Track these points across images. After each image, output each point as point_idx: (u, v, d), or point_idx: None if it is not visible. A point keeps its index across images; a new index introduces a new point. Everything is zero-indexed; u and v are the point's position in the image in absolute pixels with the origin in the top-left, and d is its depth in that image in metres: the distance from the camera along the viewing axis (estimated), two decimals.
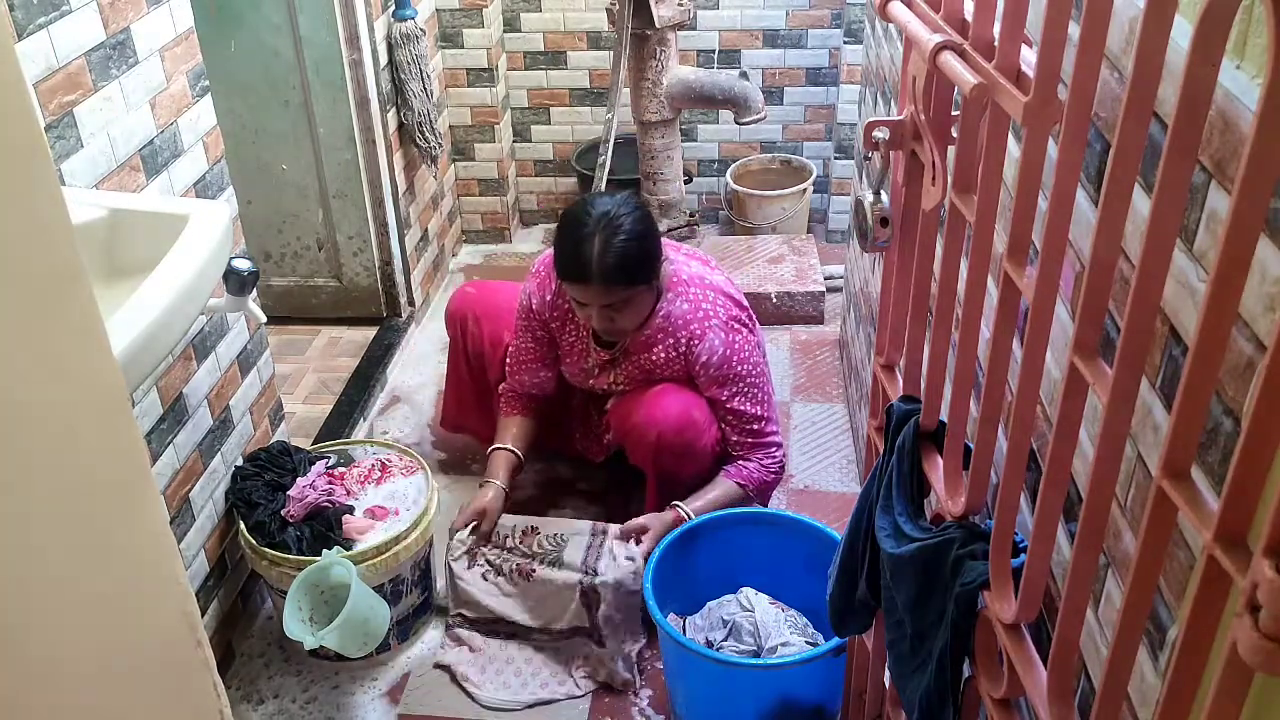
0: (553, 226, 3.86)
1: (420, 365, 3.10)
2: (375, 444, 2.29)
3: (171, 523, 1.89)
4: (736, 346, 2.12)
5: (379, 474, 2.17)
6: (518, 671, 2.09)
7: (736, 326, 2.14)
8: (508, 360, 2.35)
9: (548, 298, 2.24)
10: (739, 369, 2.13)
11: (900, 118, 1.24)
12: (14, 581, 0.57)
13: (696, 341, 2.11)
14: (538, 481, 2.58)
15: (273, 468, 2.11)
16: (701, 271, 2.18)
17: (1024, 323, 0.95)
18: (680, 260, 2.18)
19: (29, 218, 0.56)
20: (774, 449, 2.20)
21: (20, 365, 0.56)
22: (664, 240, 2.16)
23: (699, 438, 2.12)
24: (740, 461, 2.18)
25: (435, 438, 2.77)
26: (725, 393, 2.14)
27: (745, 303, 2.22)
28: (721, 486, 2.16)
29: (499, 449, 2.30)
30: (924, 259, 1.23)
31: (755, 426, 2.17)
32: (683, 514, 2.10)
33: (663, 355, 2.15)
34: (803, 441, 2.72)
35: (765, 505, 2.24)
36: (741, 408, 2.15)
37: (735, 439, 2.18)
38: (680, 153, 3.27)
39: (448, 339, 2.55)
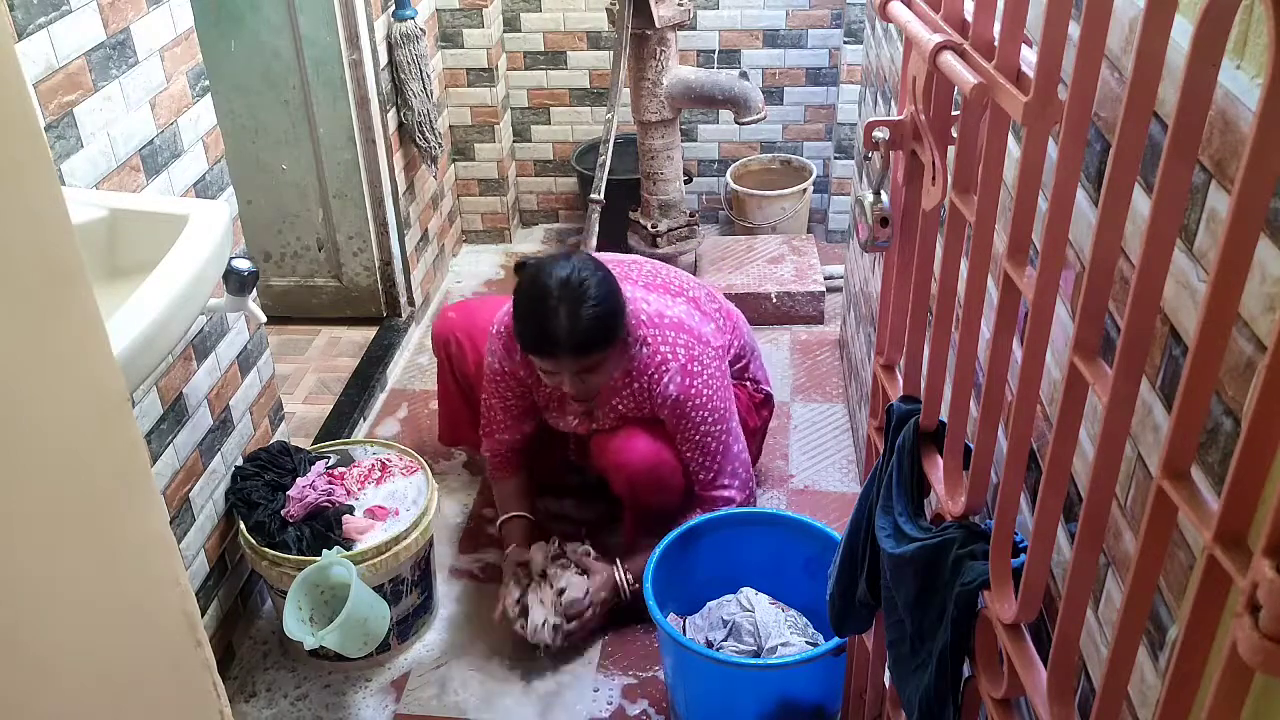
0: (553, 227, 3.87)
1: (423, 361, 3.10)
2: (375, 444, 2.29)
3: (171, 523, 1.89)
4: (692, 392, 2.07)
5: (379, 474, 2.17)
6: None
7: (694, 370, 2.08)
8: (481, 424, 2.30)
9: (517, 357, 2.17)
10: (693, 415, 2.09)
11: (900, 118, 1.24)
12: (14, 581, 0.57)
13: (655, 386, 2.08)
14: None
15: (273, 468, 2.11)
16: (660, 306, 2.11)
17: (1024, 323, 0.95)
18: (639, 297, 2.10)
19: (29, 218, 0.56)
20: (719, 503, 2.15)
21: (20, 365, 0.56)
22: (620, 269, 2.13)
23: (670, 475, 2.13)
24: (697, 506, 2.17)
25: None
26: (679, 437, 2.12)
27: (707, 334, 2.15)
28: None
29: (512, 518, 2.28)
30: (924, 259, 1.23)
31: (703, 476, 2.14)
32: (619, 580, 2.15)
33: (631, 401, 2.12)
34: (803, 441, 2.72)
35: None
36: (690, 456, 2.13)
37: (695, 478, 2.17)
38: (680, 153, 3.27)
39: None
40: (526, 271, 2.02)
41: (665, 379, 2.06)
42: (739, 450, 2.16)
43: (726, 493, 2.15)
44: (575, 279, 1.94)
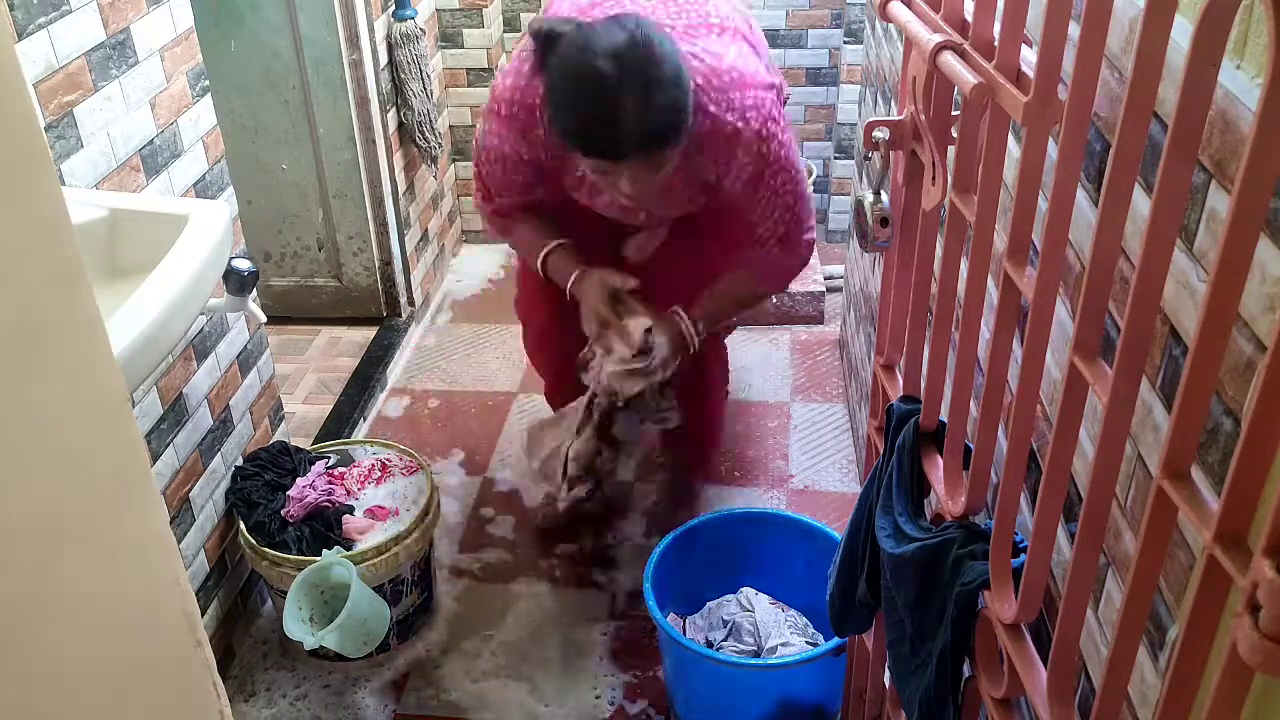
0: None
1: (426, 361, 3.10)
2: (375, 444, 2.29)
3: (171, 523, 1.89)
4: (770, 160, 1.71)
5: (379, 474, 2.17)
6: None
7: (768, 133, 1.69)
8: (479, 190, 1.94)
9: (537, 139, 1.76)
10: (773, 183, 1.73)
11: (900, 118, 1.24)
12: (13, 582, 0.57)
13: (724, 169, 1.72)
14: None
15: (273, 468, 2.11)
16: (714, 55, 1.67)
17: (1024, 323, 0.95)
18: (687, 51, 1.62)
19: (29, 218, 0.56)
20: (804, 248, 1.87)
21: (20, 365, 0.56)
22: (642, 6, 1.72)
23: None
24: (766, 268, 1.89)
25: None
26: (755, 210, 1.78)
27: (767, 77, 1.72)
28: (726, 280, 1.90)
29: (558, 245, 1.92)
30: (924, 259, 1.23)
31: (784, 232, 1.82)
32: (685, 329, 1.87)
33: (687, 191, 1.77)
34: (803, 441, 2.72)
35: (781, 290, 1.96)
36: (766, 225, 1.80)
37: (773, 235, 1.85)
38: None
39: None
40: (564, 43, 1.56)
41: (737, 160, 1.70)
42: (808, 190, 1.85)
43: (808, 235, 1.88)
44: (639, 54, 1.52)
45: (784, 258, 1.89)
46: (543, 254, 1.91)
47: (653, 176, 1.64)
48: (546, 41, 1.57)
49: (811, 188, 1.89)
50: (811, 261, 3.29)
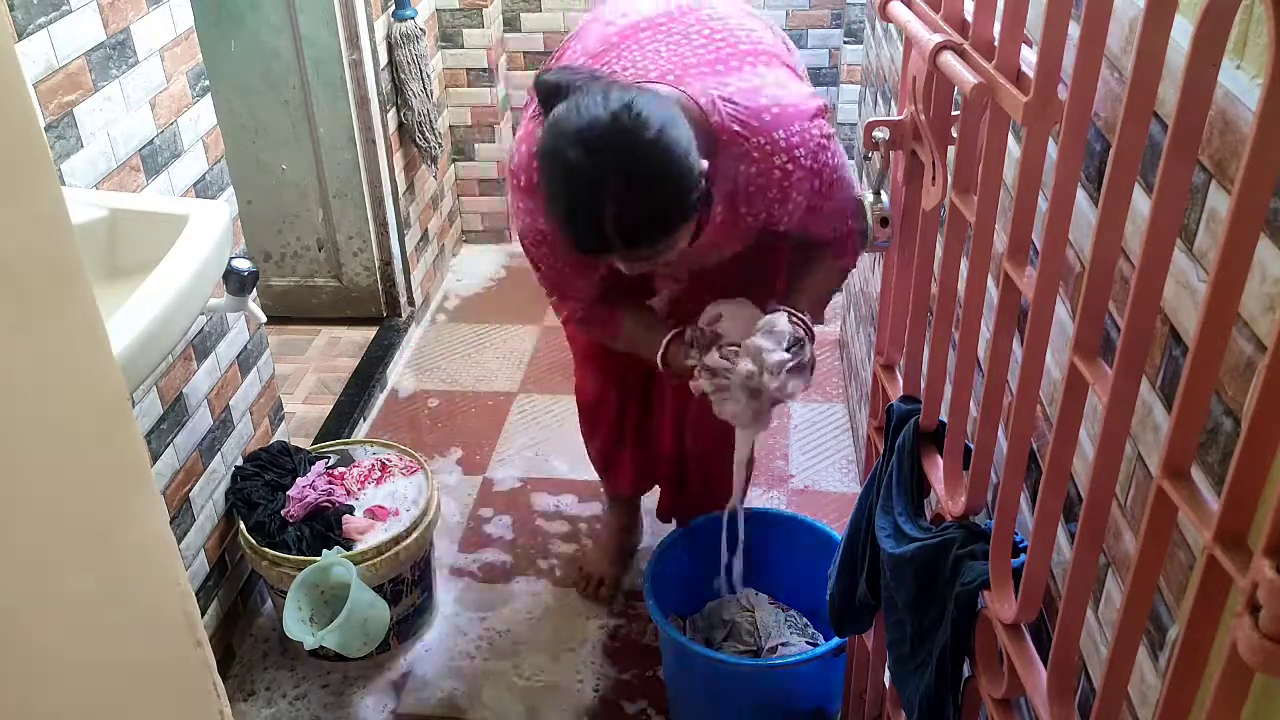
0: None
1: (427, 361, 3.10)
2: (375, 444, 2.29)
3: (171, 523, 1.89)
4: (824, 193, 1.54)
5: (379, 474, 2.17)
6: None
7: (819, 165, 1.51)
8: (550, 293, 1.74)
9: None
10: (828, 208, 1.57)
11: (900, 118, 1.24)
12: (13, 582, 0.57)
13: (776, 213, 1.54)
14: None
15: (273, 468, 2.11)
16: (748, 91, 1.47)
17: (1024, 323, 0.95)
18: (717, 94, 1.46)
19: (29, 218, 0.56)
20: (855, 238, 1.66)
21: (20, 365, 0.56)
22: (670, 46, 1.53)
23: None
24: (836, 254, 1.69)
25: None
26: (810, 226, 1.62)
27: (813, 103, 1.53)
28: (823, 270, 1.72)
29: (673, 338, 1.69)
30: (924, 259, 1.23)
31: (842, 226, 1.63)
32: (792, 314, 1.64)
33: (738, 238, 1.60)
34: (803, 441, 2.72)
35: (854, 262, 1.74)
36: (823, 231, 1.64)
37: (834, 234, 1.67)
38: None
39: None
40: (550, 122, 1.38)
41: (792, 201, 1.52)
42: (857, 188, 1.61)
43: (857, 224, 1.64)
44: (620, 141, 1.32)
45: (846, 238, 1.65)
46: (666, 340, 1.69)
47: (672, 253, 1.46)
48: (547, 100, 1.42)
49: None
50: None
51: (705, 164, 1.39)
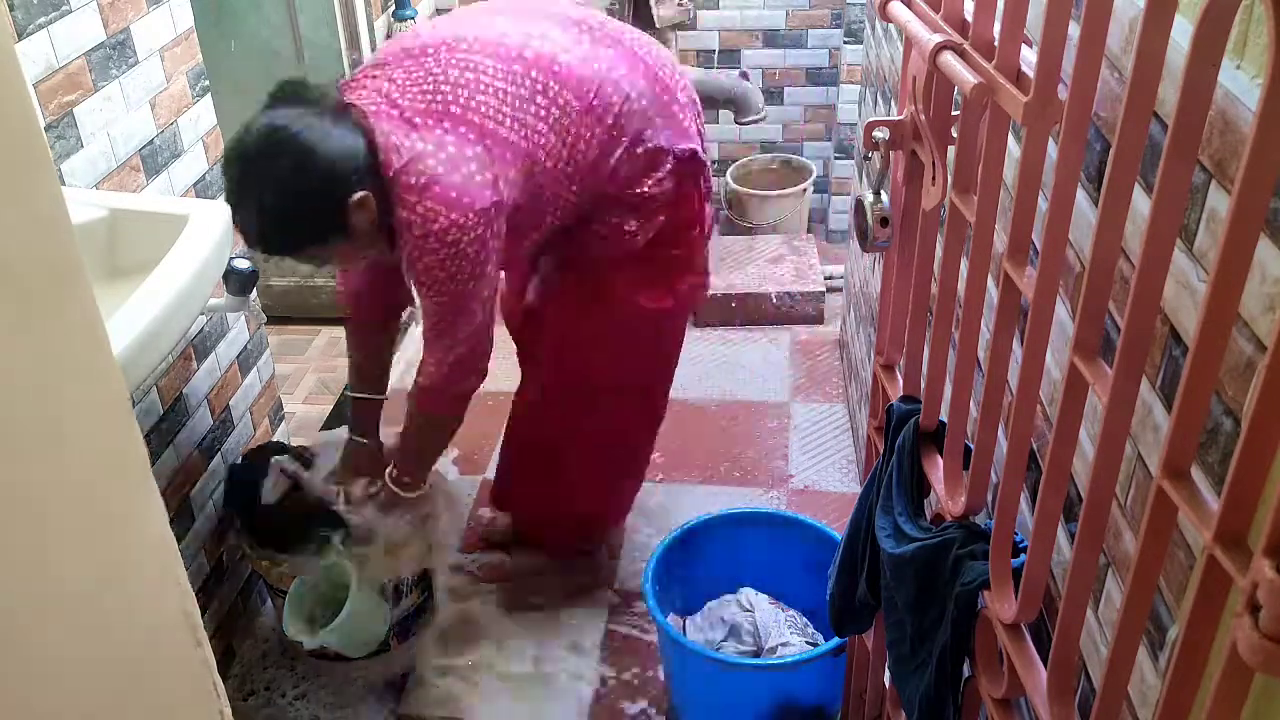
0: None
1: None
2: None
3: (171, 523, 1.89)
4: (420, 268, 1.67)
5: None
6: None
7: (422, 247, 1.63)
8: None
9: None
10: (421, 283, 1.71)
11: (900, 118, 1.24)
12: (13, 581, 0.57)
13: (411, 260, 1.68)
14: None
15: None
16: (422, 151, 1.60)
17: (1024, 323, 0.95)
18: (401, 143, 1.60)
19: (29, 218, 0.56)
20: (420, 376, 1.82)
21: (20, 365, 0.56)
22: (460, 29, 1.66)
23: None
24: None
25: None
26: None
27: (495, 194, 1.62)
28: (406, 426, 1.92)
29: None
30: (924, 259, 1.23)
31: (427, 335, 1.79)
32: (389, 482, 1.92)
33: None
34: (803, 441, 2.72)
35: (446, 413, 1.90)
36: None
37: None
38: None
39: None
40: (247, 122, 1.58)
41: (407, 250, 1.66)
42: (477, 298, 1.73)
43: (431, 377, 1.82)
44: (250, 167, 1.54)
45: (432, 367, 1.82)
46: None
47: (345, 258, 1.73)
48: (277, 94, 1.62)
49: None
50: (812, 261, 3.29)
51: (361, 194, 1.57)
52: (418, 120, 1.61)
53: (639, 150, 1.77)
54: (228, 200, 1.59)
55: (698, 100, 1.94)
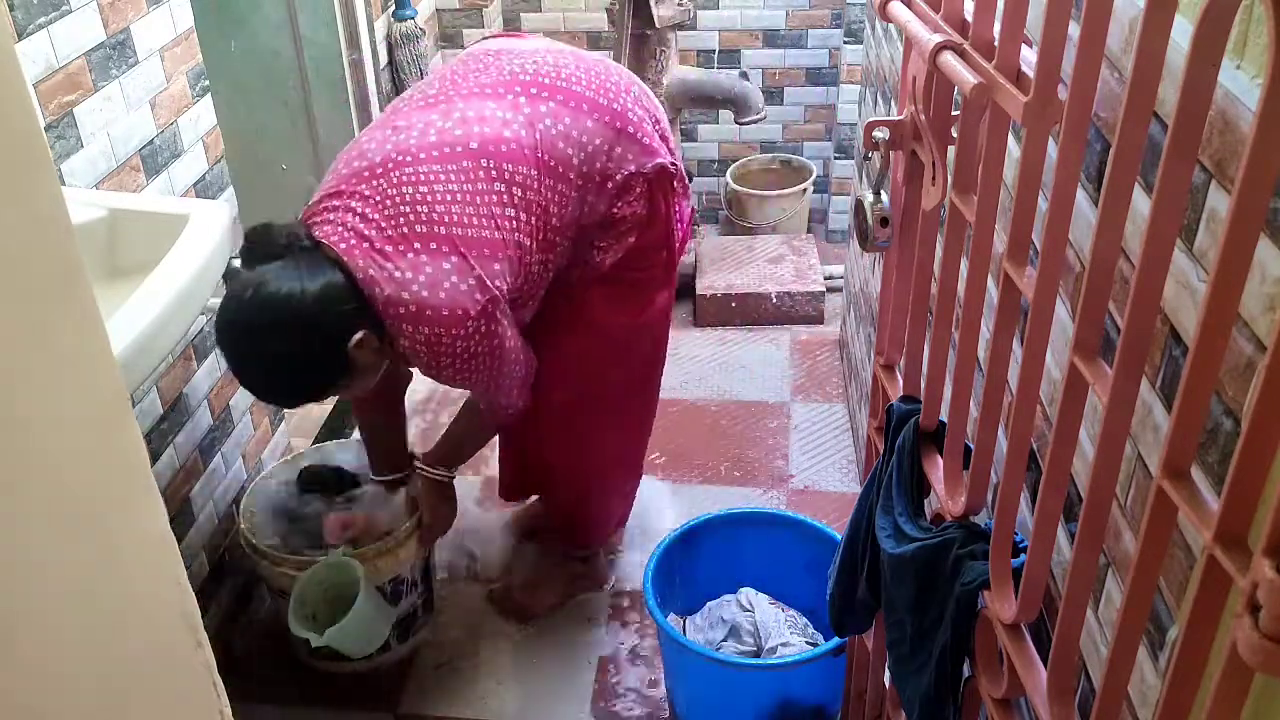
0: None
1: None
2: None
3: (171, 523, 1.89)
4: (443, 376, 1.75)
5: None
6: None
7: (437, 364, 1.70)
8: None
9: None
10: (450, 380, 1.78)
11: (900, 118, 1.24)
12: (12, 582, 0.57)
13: (428, 369, 1.74)
14: None
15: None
16: (406, 278, 1.60)
17: (1024, 323, 0.95)
18: (381, 275, 1.60)
19: (29, 218, 0.56)
20: (500, 412, 1.92)
21: (20, 365, 0.56)
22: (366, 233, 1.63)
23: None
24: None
25: None
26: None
27: (484, 295, 1.64)
28: (462, 412, 2.02)
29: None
30: (924, 259, 1.23)
31: (488, 400, 1.89)
32: (421, 469, 2.02)
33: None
34: (803, 441, 2.72)
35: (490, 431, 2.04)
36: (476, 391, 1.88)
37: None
38: (680, 153, 3.28)
39: None
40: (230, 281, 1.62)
41: (434, 370, 1.72)
42: (509, 372, 1.80)
43: (505, 401, 1.89)
44: (238, 335, 1.59)
45: (491, 409, 1.92)
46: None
47: (357, 388, 1.73)
48: (249, 245, 1.63)
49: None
50: (812, 261, 3.29)
51: (358, 335, 1.59)
52: (389, 249, 1.61)
53: (609, 185, 1.77)
54: (230, 367, 1.65)
55: (650, 105, 1.89)
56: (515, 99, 1.72)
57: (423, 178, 1.64)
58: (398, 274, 1.60)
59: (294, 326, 1.55)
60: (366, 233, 1.62)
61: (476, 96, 1.72)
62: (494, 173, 1.66)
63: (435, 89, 1.76)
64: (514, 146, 1.67)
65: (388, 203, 1.63)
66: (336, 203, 1.66)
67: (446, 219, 1.63)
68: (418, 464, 2.02)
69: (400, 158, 1.65)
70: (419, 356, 1.67)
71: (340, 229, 1.63)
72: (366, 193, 1.64)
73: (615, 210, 1.80)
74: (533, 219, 1.70)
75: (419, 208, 1.62)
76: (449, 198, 1.63)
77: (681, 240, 2.01)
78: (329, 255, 1.60)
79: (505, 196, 1.66)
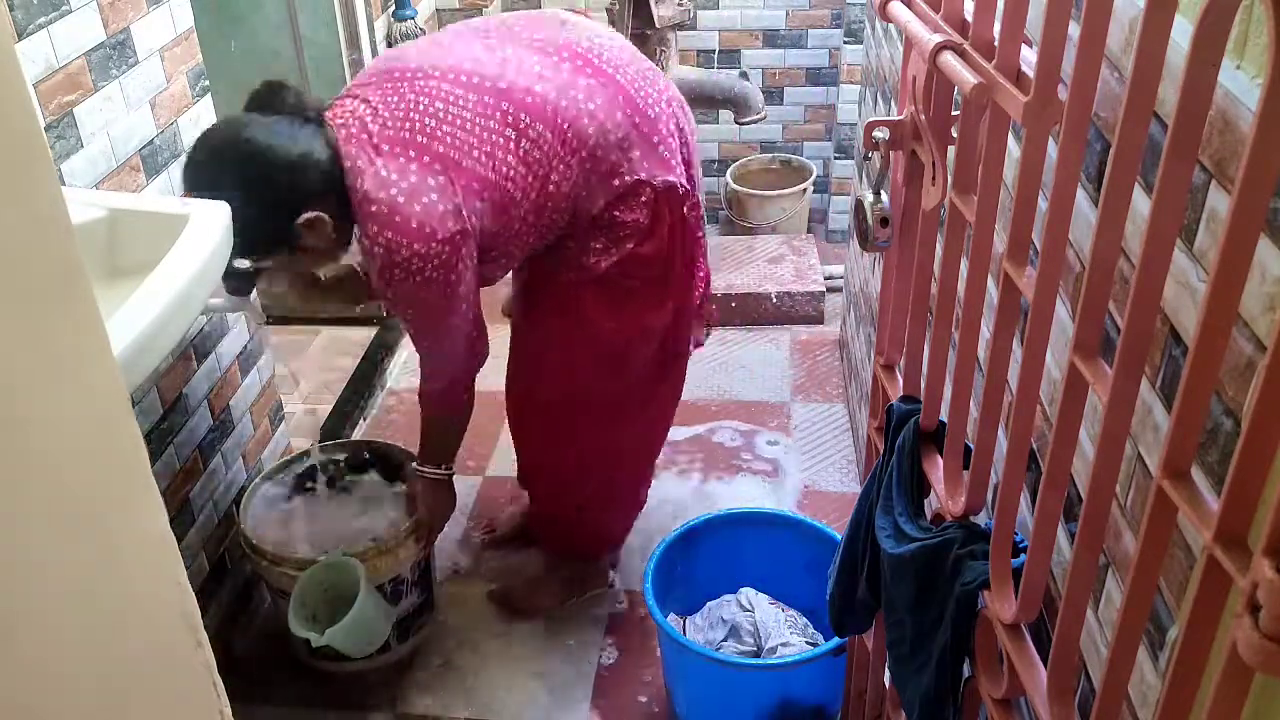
0: None
1: None
2: (376, 444, 2.28)
3: (171, 523, 1.89)
4: (389, 294, 1.71)
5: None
6: None
7: (390, 277, 1.65)
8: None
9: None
10: (396, 308, 1.77)
11: (900, 118, 1.24)
12: (12, 582, 0.57)
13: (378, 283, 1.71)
14: None
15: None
16: (385, 178, 1.61)
17: (1024, 323, 0.95)
18: (366, 167, 1.62)
19: (29, 218, 0.56)
20: (432, 376, 1.89)
21: (20, 365, 0.56)
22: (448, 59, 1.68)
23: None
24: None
25: None
26: None
27: (458, 224, 1.64)
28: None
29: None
30: (924, 259, 1.23)
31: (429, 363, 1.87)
32: (417, 472, 2.03)
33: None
34: (803, 441, 2.72)
35: (450, 415, 1.98)
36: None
37: None
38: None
39: None
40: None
41: (374, 272, 1.68)
42: (453, 326, 1.78)
43: (442, 378, 1.89)
44: (208, 168, 1.59)
45: (429, 376, 1.91)
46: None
47: (297, 268, 1.78)
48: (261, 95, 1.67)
49: (456, 343, 1.81)
50: (812, 261, 3.29)
51: (311, 214, 1.60)
52: (385, 147, 1.63)
53: (615, 182, 1.76)
54: (184, 188, 1.63)
55: (687, 127, 1.90)
56: (559, 63, 1.73)
57: (441, 95, 1.66)
58: (383, 172, 1.62)
59: (255, 177, 1.58)
60: (370, 126, 1.65)
61: (525, 47, 1.73)
62: (510, 118, 1.67)
63: (494, 27, 1.79)
64: (538, 103, 1.68)
65: (402, 106, 1.66)
66: (358, 92, 1.71)
67: (448, 140, 1.64)
68: (414, 465, 2.03)
69: (430, 71, 1.69)
70: (374, 262, 1.65)
71: (349, 116, 1.67)
72: (388, 92, 1.68)
73: (618, 214, 1.79)
74: (531, 176, 1.70)
75: (427, 120, 1.65)
76: (459, 122, 1.65)
77: (704, 280, 2.00)
78: (327, 137, 1.63)
79: (512, 145, 1.67)
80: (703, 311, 2.07)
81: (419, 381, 1.92)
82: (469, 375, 1.90)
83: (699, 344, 2.12)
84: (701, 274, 2.01)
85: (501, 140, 1.66)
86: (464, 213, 1.64)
